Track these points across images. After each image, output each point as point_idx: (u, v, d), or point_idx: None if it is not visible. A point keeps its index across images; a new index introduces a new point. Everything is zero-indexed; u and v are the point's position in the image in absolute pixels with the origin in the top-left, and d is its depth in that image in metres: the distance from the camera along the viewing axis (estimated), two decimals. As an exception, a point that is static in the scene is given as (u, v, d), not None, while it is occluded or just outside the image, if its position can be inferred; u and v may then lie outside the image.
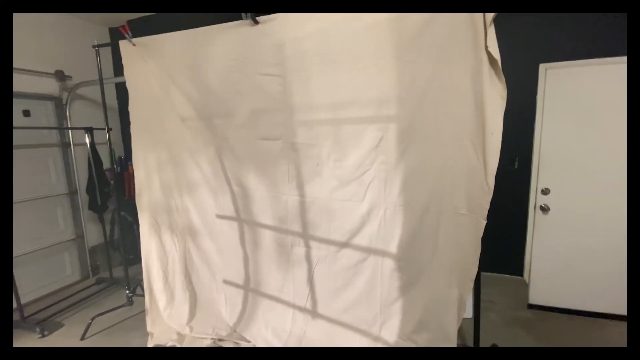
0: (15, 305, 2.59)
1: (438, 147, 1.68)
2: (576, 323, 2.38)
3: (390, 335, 1.96)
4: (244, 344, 2.27)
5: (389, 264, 1.90)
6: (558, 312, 2.49)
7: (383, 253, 1.90)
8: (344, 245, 1.99)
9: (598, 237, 2.31)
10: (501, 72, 1.50)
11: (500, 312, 2.53)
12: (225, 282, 2.40)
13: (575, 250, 2.37)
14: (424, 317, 1.83)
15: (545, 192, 2.42)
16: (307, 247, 2.08)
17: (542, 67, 2.34)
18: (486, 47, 1.49)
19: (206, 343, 2.32)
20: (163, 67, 2.11)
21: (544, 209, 2.43)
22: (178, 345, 2.32)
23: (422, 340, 1.85)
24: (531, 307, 2.55)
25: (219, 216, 2.28)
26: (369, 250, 1.94)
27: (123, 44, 2.18)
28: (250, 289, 2.34)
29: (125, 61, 2.21)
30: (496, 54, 1.47)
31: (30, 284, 2.99)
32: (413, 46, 1.60)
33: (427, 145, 1.69)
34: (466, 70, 1.56)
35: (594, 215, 2.30)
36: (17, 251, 2.88)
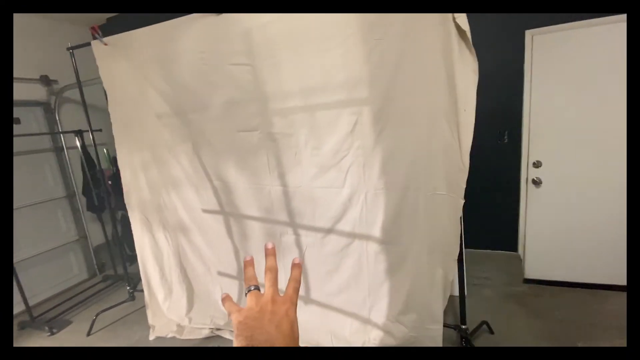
0: (23, 307, 2.70)
1: (413, 127, 1.64)
2: (574, 295, 2.36)
3: (379, 317, 1.99)
4: (241, 332, 2.33)
5: (373, 248, 1.90)
6: (555, 285, 2.47)
7: (367, 237, 1.90)
8: (329, 231, 1.99)
9: (593, 208, 2.25)
10: (471, 45, 1.43)
11: (495, 288, 2.52)
12: (220, 274, 2.44)
13: (570, 223, 2.32)
14: (409, 298, 1.84)
15: (537, 164, 2.36)
16: (296, 234, 2.09)
17: (528, 33, 2.22)
18: (454, 18, 1.41)
19: (205, 333, 2.39)
20: (135, 65, 2.09)
21: (536, 182, 2.37)
22: (178, 336, 2.40)
23: (409, 321, 1.86)
24: (527, 281, 2.54)
25: (205, 211, 2.30)
26: (353, 235, 1.94)
27: (95, 45, 2.16)
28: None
29: (99, 62, 2.19)
30: (464, 25, 1.40)
31: (39, 285, 3.11)
32: (379, 22, 1.53)
33: (401, 125, 1.65)
34: (436, 45, 1.49)
35: (587, 185, 2.24)
36: (22, 255, 2.98)
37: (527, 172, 2.39)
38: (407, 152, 1.67)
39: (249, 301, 0.50)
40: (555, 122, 2.25)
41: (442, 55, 1.49)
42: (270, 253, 0.55)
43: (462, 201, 1.59)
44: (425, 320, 1.82)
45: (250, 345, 0.42)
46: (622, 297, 2.23)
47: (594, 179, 2.21)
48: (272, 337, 0.42)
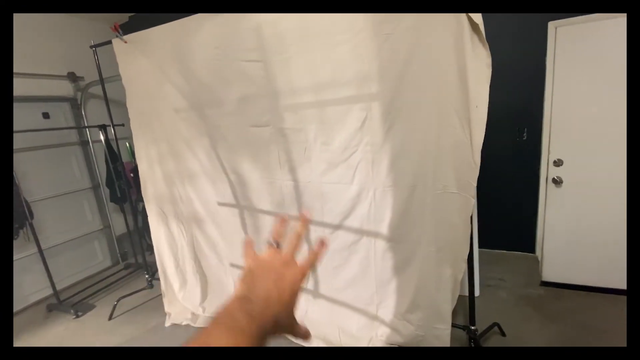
0: (51, 291, 2.88)
1: (423, 123, 1.60)
2: (593, 300, 2.26)
3: (386, 314, 1.98)
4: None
5: (381, 245, 1.89)
6: (573, 289, 2.37)
7: (375, 234, 1.89)
8: (338, 227, 2.00)
9: (615, 210, 2.13)
10: (484, 39, 1.38)
11: (509, 290, 2.45)
12: (232, 265, 2.50)
13: (591, 225, 2.21)
14: (416, 296, 1.82)
15: (558, 163, 2.26)
16: (306, 230, 2.10)
17: (551, 25, 2.12)
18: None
19: (217, 322, 2.47)
20: (153, 61, 2.16)
21: (557, 182, 2.27)
22: (192, 324, 2.48)
23: (416, 319, 1.85)
24: (544, 284, 2.45)
25: (220, 204, 2.36)
26: (361, 232, 1.94)
27: (116, 43, 2.25)
28: (255, 272, 2.43)
29: (119, 59, 2.28)
30: (477, 19, 1.36)
31: (66, 270, 3.30)
32: (389, 17, 1.51)
33: (411, 122, 1.62)
34: (448, 39, 1.45)
35: (610, 186, 2.12)
36: (51, 242, 3.18)
37: (547, 171, 2.29)
38: (416, 149, 1.65)
39: (266, 253, 0.49)
40: (579, 118, 2.14)
41: (454, 50, 1.45)
42: (306, 222, 0.55)
43: (474, 200, 1.55)
44: (433, 320, 1.80)
45: (248, 296, 0.42)
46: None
47: (618, 179, 2.09)
48: (270, 298, 0.42)
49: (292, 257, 0.49)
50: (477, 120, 1.45)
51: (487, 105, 1.43)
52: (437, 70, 1.51)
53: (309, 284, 2.25)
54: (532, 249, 2.48)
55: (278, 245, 0.51)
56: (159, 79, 2.20)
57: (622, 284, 2.22)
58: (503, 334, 2.01)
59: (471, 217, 1.60)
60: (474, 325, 1.87)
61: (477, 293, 2.33)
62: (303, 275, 0.47)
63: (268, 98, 1.90)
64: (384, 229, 1.84)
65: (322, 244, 0.52)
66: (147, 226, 3.28)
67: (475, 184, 1.52)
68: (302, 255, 0.50)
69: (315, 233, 2.09)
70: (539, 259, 2.46)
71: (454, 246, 1.71)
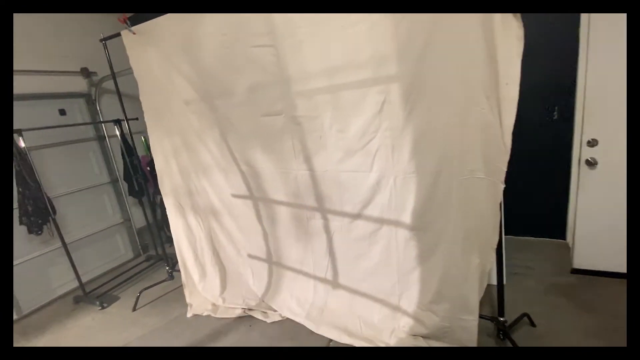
0: (77, 284, 2.97)
1: (447, 104, 1.50)
2: (625, 288, 2.13)
3: (409, 305, 1.92)
4: (271, 313, 2.39)
5: (403, 234, 1.81)
6: (607, 276, 2.24)
7: (396, 223, 1.82)
8: (357, 216, 1.93)
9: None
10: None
11: (539, 279, 2.34)
12: (250, 256, 2.49)
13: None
14: (442, 286, 1.75)
15: (592, 143, 2.10)
16: (324, 219, 2.06)
17: (587, -8, 1.93)
18: (496, -22, 1.24)
19: (238, 312, 2.48)
20: (162, 51, 2.11)
21: (591, 163, 2.12)
22: (213, 315, 2.51)
23: (441, 310, 1.78)
24: (575, 271, 2.32)
25: (234, 196, 2.33)
26: (381, 221, 1.87)
27: (125, 35, 2.20)
28: (273, 262, 2.42)
29: (129, 51, 2.24)
30: (508, -15, 1.23)
31: (90, 263, 3.39)
32: (409, -10, 1.39)
33: (434, 103, 1.52)
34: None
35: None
36: (74, 236, 3.26)
37: (580, 152, 2.14)
38: (440, 133, 1.54)
39: None
40: (617, 94, 1.97)
41: (480, 21, 1.33)
42: None
43: (503, 185, 1.45)
44: (459, 311, 1.73)
45: None
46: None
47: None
48: None
49: None
50: (508, 99, 1.34)
51: (518, 83, 1.31)
52: (462, 46, 1.39)
53: (327, 273, 2.21)
54: (562, 235, 2.35)
55: None
56: (168, 70, 2.15)
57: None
58: (533, 325, 1.92)
59: (500, 204, 1.50)
60: (502, 316, 1.79)
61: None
62: None
63: (280, 85, 1.82)
64: (406, 217, 1.76)
65: None
66: (165, 219, 3.31)
67: (505, 169, 1.42)
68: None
69: (334, 222, 2.04)
70: (570, 245, 2.33)
71: (481, 234, 1.62)
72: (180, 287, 2.77)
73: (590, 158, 2.12)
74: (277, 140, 1.98)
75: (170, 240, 3.74)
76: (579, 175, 2.18)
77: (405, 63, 1.51)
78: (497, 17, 1.28)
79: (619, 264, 2.19)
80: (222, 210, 2.45)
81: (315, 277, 2.27)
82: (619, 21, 1.88)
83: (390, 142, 1.67)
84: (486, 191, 1.53)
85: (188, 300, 2.64)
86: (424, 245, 1.76)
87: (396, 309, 1.98)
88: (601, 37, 1.94)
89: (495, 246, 1.60)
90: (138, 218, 3.83)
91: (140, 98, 2.35)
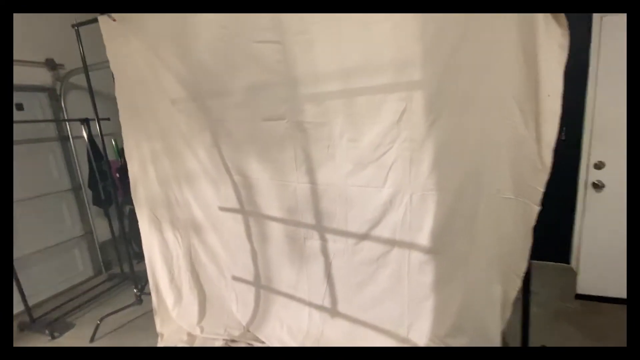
0: (22, 307, 2.51)
1: (475, 116, 1.36)
2: (635, 315, 2.06)
3: (419, 337, 1.73)
4: (257, 345, 2.09)
5: (417, 257, 1.63)
6: (611, 302, 2.17)
7: (410, 245, 1.64)
8: (364, 237, 1.73)
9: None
10: (562, 14, 1.14)
11: (543, 305, 2.23)
12: (235, 278, 2.21)
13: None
14: (460, 317, 1.58)
15: (599, 166, 2.06)
16: (322, 240, 1.84)
17: (597, 15, 1.92)
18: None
19: (218, 344, 2.16)
20: (148, 43, 1.85)
21: (598, 186, 2.07)
22: (189, 347, 2.17)
23: (459, 344, 1.59)
24: (579, 297, 2.25)
25: (222, 209, 2.06)
26: (392, 242, 1.68)
27: (103, 20, 1.92)
28: (262, 286, 2.15)
29: (107, 41, 1.95)
30: (554, -12, 1.12)
31: (40, 283, 2.91)
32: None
33: (460, 113, 1.38)
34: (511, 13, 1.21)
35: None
36: (23, 251, 2.79)
37: (586, 174, 2.10)
38: (466, 147, 1.40)
39: None
40: (624, 117, 1.95)
41: (518, 26, 1.22)
42: None
43: (537, 208, 1.31)
44: (479, 344, 1.55)
45: None
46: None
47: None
48: None
49: None
50: (549, 112, 1.22)
51: (560, 95, 1.19)
52: (496, 53, 1.27)
53: (324, 300, 1.97)
54: (566, 259, 2.28)
55: None
56: (153, 64, 1.89)
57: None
58: (548, 358, 1.78)
59: (533, 228, 1.36)
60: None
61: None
62: None
63: (285, 86, 1.62)
64: (422, 239, 1.59)
65: None
66: (135, 232, 2.93)
67: (541, 189, 1.28)
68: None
69: (336, 244, 1.82)
70: (575, 269, 2.26)
71: (506, 260, 1.47)
72: (149, 313, 2.40)
73: (597, 181, 2.08)
74: (277, 148, 1.76)
75: (138, 256, 3.34)
76: (585, 198, 2.13)
77: (430, 68, 1.36)
78: (539, 21, 1.17)
79: (623, 289, 2.13)
80: (206, 224, 2.17)
81: (310, 304, 2.02)
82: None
83: (408, 155, 1.51)
84: (514, 213, 1.39)
85: (159, 329, 2.28)
86: (441, 270, 1.59)
87: (404, 341, 1.77)
88: (611, 58, 1.93)
89: (522, 274, 1.45)
90: (102, 231, 3.39)
91: (117, 94, 2.05)
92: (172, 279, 2.28)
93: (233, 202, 2.04)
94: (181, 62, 1.80)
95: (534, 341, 1.82)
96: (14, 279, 2.43)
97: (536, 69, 1.21)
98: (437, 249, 1.56)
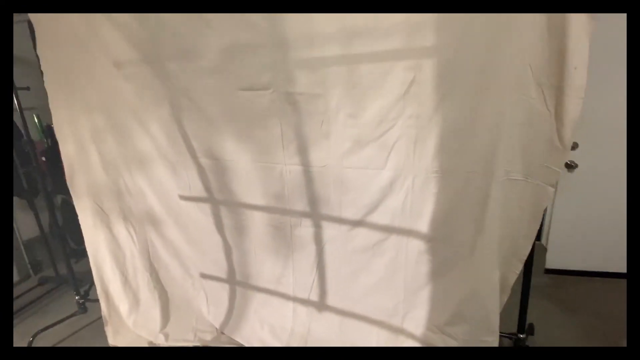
0: None
1: (489, 90, 1.24)
2: (597, 285, 2.24)
3: (415, 327, 1.64)
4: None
5: (416, 245, 1.51)
6: (576, 275, 2.33)
7: (409, 232, 1.51)
8: (358, 223, 1.57)
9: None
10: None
11: (516, 281, 2.31)
12: (204, 276, 1.93)
13: (604, 212, 2.15)
14: (462, 306, 1.51)
15: (573, 147, 2.11)
16: (314, 226, 1.64)
17: None
18: None
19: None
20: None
21: (570, 166, 2.13)
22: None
23: (459, 333, 1.54)
24: (548, 271, 2.37)
25: (183, 198, 1.75)
26: (390, 229, 1.54)
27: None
28: (237, 283, 1.90)
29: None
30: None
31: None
32: None
33: (474, 88, 1.24)
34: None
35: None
36: None
37: (561, 154, 2.15)
38: (478, 124, 1.28)
39: None
40: (597, 98, 1.99)
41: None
42: None
43: (552, 189, 1.25)
44: (480, 332, 1.51)
45: None
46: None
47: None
48: None
49: None
50: (573, 87, 1.13)
51: (586, 67, 1.11)
52: (517, 20, 1.14)
53: (311, 293, 1.80)
54: (538, 237, 2.37)
55: None
56: (91, 16, 1.47)
57: (622, 268, 2.22)
58: (532, 333, 1.83)
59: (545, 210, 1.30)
60: (522, 333, 1.64)
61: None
62: None
63: (271, 49, 1.35)
64: (422, 225, 1.46)
65: None
66: (71, 226, 2.46)
67: (558, 170, 1.21)
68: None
69: (328, 230, 1.64)
70: (545, 245, 2.37)
71: (509, 244, 1.42)
72: (98, 323, 2.03)
73: (570, 161, 2.14)
74: (259, 124, 1.49)
75: (77, 254, 2.85)
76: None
77: (446, 33, 1.19)
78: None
79: (589, 262, 2.29)
80: (165, 217, 1.84)
81: (295, 299, 1.83)
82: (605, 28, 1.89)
83: (413, 133, 1.35)
84: (522, 195, 1.33)
85: (111, 341, 1.93)
86: (442, 258, 1.48)
87: (398, 331, 1.68)
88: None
89: (524, 258, 1.41)
90: (27, 226, 2.80)
91: (39, 54, 1.59)
92: (125, 281, 1.92)
93: (198, 190, 1.74)
94: (132, 14, 1.42)
95: (509, 315, 1.86)
96: None
97: (562, 39, 1.11)
98: (440, 237, 1.45)
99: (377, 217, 1.53)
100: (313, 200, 1.59)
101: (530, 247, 1.38)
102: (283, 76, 1.38)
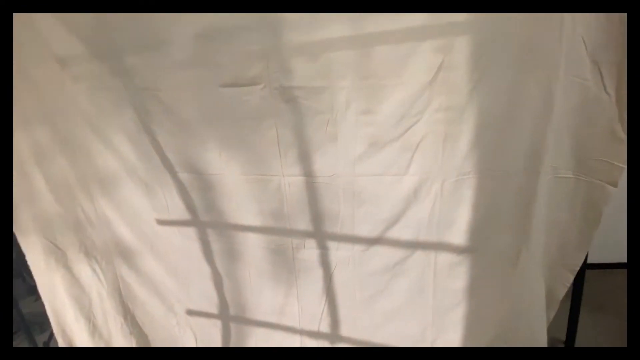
0: None
1: (531, 72, 1.02)
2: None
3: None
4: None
5: (446, 259, 1.28)
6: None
7: (437, 246, 1.27)
8: (376, 241, 1.32)
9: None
10: None
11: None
12: (190, 312, 1.62)
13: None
14: (503, 326, 1.29)
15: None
16: (321, 248, 1.38)
17: None
18: None
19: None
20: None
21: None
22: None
23: None
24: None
25: (161, 222, 1.44)
26: (414, 245, 1.30)
27: None
28: (232, 318, 1.61)
29: None
30: None
31: None
32: None
33: (517, 69, 1.02)
34: None
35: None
36: None
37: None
38: (521, 113, 1.06)
39: None
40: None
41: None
42: None
43: (611, 188, 1.05)
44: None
45: None
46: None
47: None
48: None
49: None
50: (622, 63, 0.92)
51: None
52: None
53: (321, 325, 1.54)
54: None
55: None
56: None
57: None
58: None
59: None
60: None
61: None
62: None
63: (260, 32, 1.07)
64: (453, 236, 1.23)
65: None
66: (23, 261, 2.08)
67: (621, 165, 1.01)
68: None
69: (338, 252, 1.38)
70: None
71: (557, 252, 1.22)
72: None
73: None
74: (249, 127, 1.21)
75: (31, 291, 2.43)
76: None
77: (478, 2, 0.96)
78: None
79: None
80: (140, 246, 1.53)
81: (302, 332, 1.56)
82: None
83: (442, 130, 1.11)
84: (573, 195, 1.13)
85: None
86: (478, 272, 1.26)
87: (428, 360, 1.45)
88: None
89: (576, 268, 1.21)
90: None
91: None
92: (94, 330, 1.58)
93: (179, 211, 1.43)
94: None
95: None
96: None
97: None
98: (474, 247, 1.23)
99: (399, 232, 1.29)
100: (319, 217, 1.32)
101: (583, 256, 1.17)
102: (276, 66, 1.10)
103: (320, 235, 1.36)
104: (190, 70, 1.14)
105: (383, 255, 1.34)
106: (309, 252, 1.40)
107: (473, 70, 1.02)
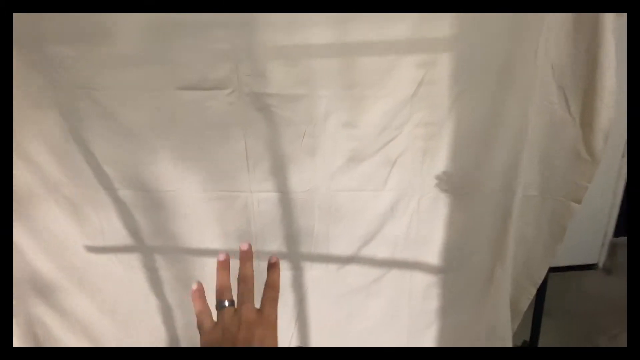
0: None
1: (514, 90, 1.03)
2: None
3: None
4: None
5: (422, 279, 1.25)
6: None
7: (414, 265, 1.24)
8: (349, 260, 1.24)
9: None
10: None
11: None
12: (132, 353, 1.35)
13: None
14: (477, 344, 1.29)
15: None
16: (293, 269, 1.25)
17: None
18: None
19: None
20: None
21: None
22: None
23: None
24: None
25: (93, 249, 1.19)
26: (389, 263, 1.25)
27: None
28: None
29: None
30: None
31: None
32: None
33: (496, 87, 1.03)
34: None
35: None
36: None
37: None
38: (500, 131, 1.07)
39: (219, 321, 0.40)
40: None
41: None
42: (246, 257, 0.46)
43: (575, 205, 1.10)
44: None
45: None
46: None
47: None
48: None
49: (249, 312, 0.40)
50: (603, 89, 0.99)
51: (614, 68, 0.97)
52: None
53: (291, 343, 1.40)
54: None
55: (232, 303, 0.41)
56: None
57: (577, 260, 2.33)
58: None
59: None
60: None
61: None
62: (271, 326, 0.40)
63: (230, 28, 0.93)
64: (430, 255, 1.21)
65: (273, 266, 0.43)
66: None
67: (586, 184, 1.07)
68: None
69: (311, 272, 1.26)
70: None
71: (522, 267, 1.26)
72: None
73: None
74: (211, 137, 1.05)
75: None
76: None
77: (466, 20, 0.95)
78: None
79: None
80: (63, 280, 1.25)
81: (268, 363, 1.40)
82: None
83: (421, 145, 1.08)
84: (539, 213, 1.18)
85: None
86: (455, 291, 1.25)
87: (401, 381, 1.40)
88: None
89: (539, 281, 1.26)
90: None
91: None
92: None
93: (118, 236, 1.20)
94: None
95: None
96: None
97: (591, 36, 0.95)
98: (451, 267, 1.22)
99: (374, 250, 1.22)
100: (291, 236, 1.20)
101: (545, 271, 1.23)
102: (248, 69, 0.96)
103: (292, 255, 1.23)
104: (138, 68, 0.95)
105: (358, 273, 1.26)
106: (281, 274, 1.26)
107: (452, 87, 1.01)
